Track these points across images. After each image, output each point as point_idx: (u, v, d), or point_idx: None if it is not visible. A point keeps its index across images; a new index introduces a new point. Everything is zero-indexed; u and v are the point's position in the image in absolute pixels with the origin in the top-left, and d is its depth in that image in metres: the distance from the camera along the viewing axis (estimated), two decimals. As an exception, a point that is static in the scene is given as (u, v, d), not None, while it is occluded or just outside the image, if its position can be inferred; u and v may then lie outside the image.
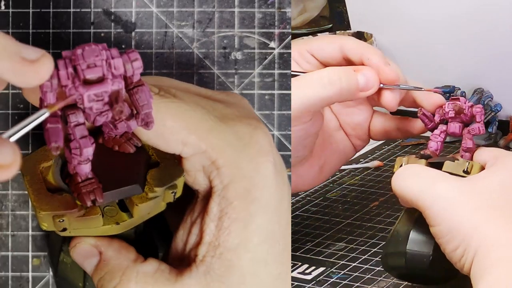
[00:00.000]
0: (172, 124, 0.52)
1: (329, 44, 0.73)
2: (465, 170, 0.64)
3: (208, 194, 0.53)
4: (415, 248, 0.65)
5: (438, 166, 0.65)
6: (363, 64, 0.70)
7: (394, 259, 0.67)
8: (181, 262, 0.54)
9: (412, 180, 0.63)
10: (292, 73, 0.68)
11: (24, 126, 0.45)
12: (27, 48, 0.44)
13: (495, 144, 0.97)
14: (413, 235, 0.65)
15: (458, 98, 0.69)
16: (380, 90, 0.70)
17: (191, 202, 0.55)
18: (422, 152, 0.67)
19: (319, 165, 0.74)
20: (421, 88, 0.71)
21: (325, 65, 0.72)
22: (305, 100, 0.67)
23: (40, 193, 0.52)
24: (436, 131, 0.69)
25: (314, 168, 0.74)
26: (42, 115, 0.46)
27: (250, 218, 0.52)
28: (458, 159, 0.65)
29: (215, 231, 0.52)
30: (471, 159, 0.67)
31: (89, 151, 0.49)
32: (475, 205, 0.60)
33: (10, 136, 0.44)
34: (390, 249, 0.68)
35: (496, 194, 0.61)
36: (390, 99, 0.70)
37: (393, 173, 0.66)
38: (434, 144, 0.68)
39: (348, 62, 0.71)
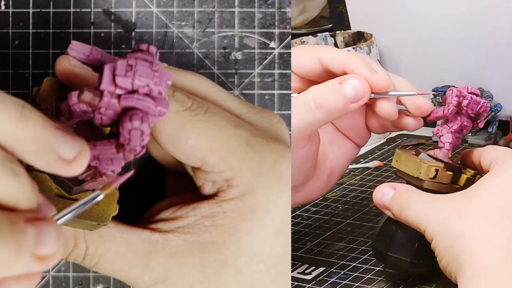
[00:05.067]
0: (195, 144, 0.52)
1: (307, 57, 0.68)
2: (454, 181, 0.67)
3: (207, 195, 0.53)
4: (396, 254, 0.69)
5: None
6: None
7: (378, 255, 0.71)
8: (144, 222, 0.54)
9: (411, 208, 0.65)
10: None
11: (76, 209, 0.43)
12: (64, 144, 0.42)
13: (495, 144, 0.97)
14: (397, 240, 0.69)
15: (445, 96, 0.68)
16: (374, 101, 0.66)
17: (191, 182, 0.55)
18: (433, 153, 0.68)
19: (327, 174, 0.72)
20: (414, 92, 0.67)
21: (306, 79, 0.69)
22: (296, 129, 0.64)
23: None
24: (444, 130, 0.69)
25: (322, 179, 0.72)
26: (95, 198, 0.44)
27: (234, 232, 0.52)
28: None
29: (193, 223, 0.53)
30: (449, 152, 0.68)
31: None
32: (459, 218, 0.62)
33: (59, 219, 0.42)
34: (376, 245, 0.71)
35: (484, 204, 0.62)
36: (389, 109, 0.66)
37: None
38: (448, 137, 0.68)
39: (330, 74, 0.68)
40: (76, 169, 0.42)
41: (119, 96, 0.47)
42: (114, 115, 0.47)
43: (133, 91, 0.47)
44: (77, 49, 0.50)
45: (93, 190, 0.51)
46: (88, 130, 0.51)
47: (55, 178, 0.50)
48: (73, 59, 0.51)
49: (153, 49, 0.49)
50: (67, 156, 0.42)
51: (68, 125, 0.50)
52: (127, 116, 0.46)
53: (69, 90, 0.52)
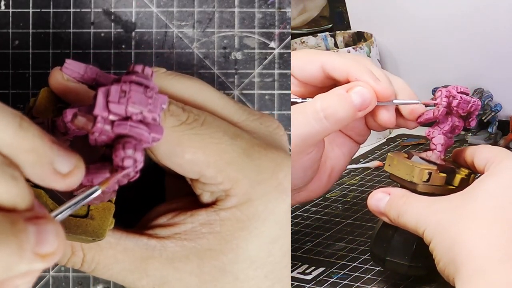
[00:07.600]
0: (192, 158, 0.52)
1: (309, 63, 0.68)
2: (448, 182, 0.66)
3: (205, 203, 0.54)
4: (394, 258, 0.68)
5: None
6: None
7: (376, 260, 0.71)
8: (141, 227, 0.55)
9: (408, 213, 0.65)
10: (292, 100, 0.66)
11: (74, 204, 0.43)
12: (60, 157, 0.42)
13: (495, 144, 0.97)
14: (394, 244, 0.68)
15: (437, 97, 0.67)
16: (374, 108, 0.66)
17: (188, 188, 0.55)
18: (424, 156, 0.67)
19: (327, 174, 0.72)
20: (418, 101, 0.67)
21: (307, 84, 0.69)
22: (304, 137, 0.64)
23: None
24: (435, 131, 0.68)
25: (323, 178, 0.72)
26: (93, 193, 0.44)
27: (232, 239, 0.53)
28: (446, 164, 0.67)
29: (190, 230, 0.53)
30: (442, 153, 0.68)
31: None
32: (456, 220, 0.62)
33: (57, 215, 0.42)
34: (373, 249, 0.70)
35: (481, 205, 0.61)
36: (387, 118, 0.67)
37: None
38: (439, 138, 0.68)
39: (332, 80, 0.68)
40: (71, 183, 0.43)
41: (112, 122, 0.46)
42: (108, 140, 0.47)
43: (127, 118, 0.47)
44: (72, 68, 0.49)
45: (89, 206, 0.51)
46: (84, 144, 0.51)
47: (51, 193, 0.51)
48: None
49: (148, 70, 0.48)
50: (63, 170, 0.43)
51: (64, 139, 0.49)
52: (120, 144, 0.46)
53: (66, 101, 0.52)
